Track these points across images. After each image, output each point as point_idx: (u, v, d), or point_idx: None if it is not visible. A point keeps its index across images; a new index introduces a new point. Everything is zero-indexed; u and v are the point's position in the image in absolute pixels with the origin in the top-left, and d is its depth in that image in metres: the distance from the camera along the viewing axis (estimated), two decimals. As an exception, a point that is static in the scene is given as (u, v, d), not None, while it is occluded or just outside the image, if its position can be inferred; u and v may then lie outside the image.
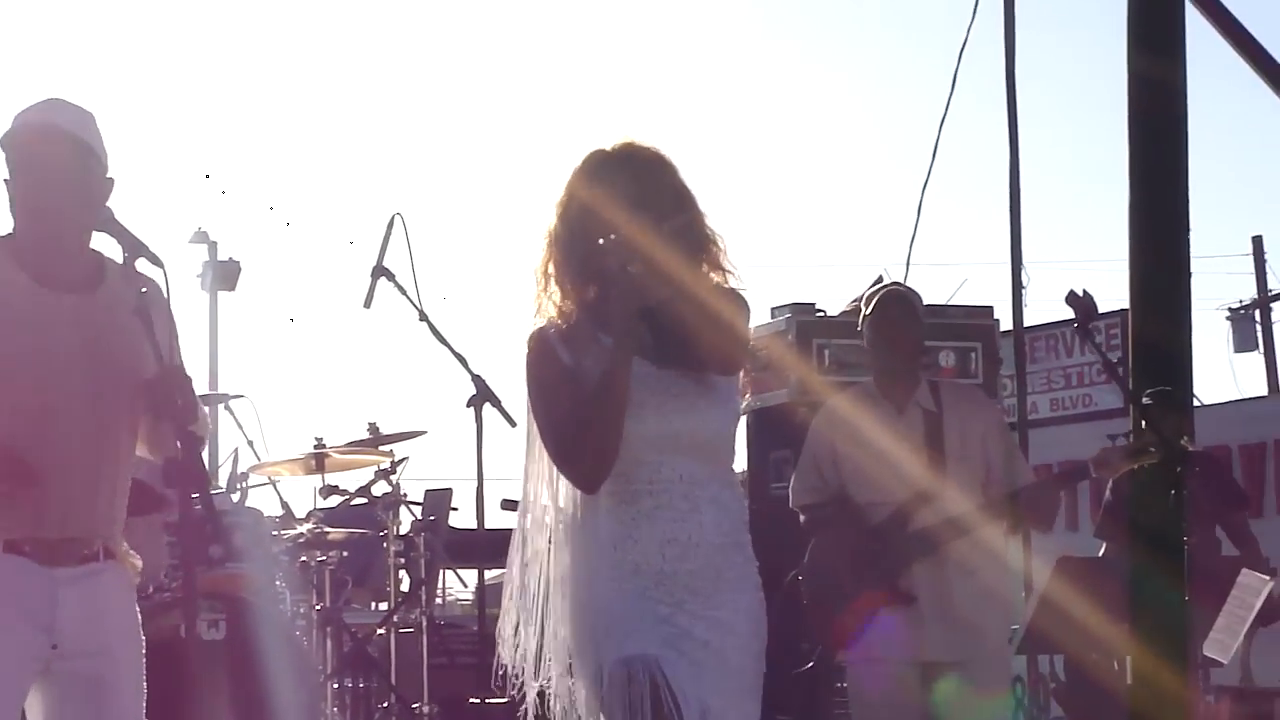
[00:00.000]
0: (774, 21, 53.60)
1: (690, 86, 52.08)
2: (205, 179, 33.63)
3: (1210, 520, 7.99)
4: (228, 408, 10.34)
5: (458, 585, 14.68)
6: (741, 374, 4.24)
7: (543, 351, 4.13)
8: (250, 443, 10.08)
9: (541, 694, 4.25)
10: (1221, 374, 37.67)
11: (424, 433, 9.96)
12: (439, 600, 13.56)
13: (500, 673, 4.28)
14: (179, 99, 45.99)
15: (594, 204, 4.11)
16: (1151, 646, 6.66)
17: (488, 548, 7.11)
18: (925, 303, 6.78)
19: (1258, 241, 27.68)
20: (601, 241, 4.01)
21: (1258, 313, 27.35)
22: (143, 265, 4.19)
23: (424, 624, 9.27)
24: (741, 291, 4.20)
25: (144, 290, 4.19)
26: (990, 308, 8.64)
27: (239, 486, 10.03)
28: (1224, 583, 6.90)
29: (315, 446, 8.97)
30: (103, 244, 4.39)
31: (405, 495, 9.73)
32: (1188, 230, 7.27)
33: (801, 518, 6.59)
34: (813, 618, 6.52)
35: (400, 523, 9.67)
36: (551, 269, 4.16)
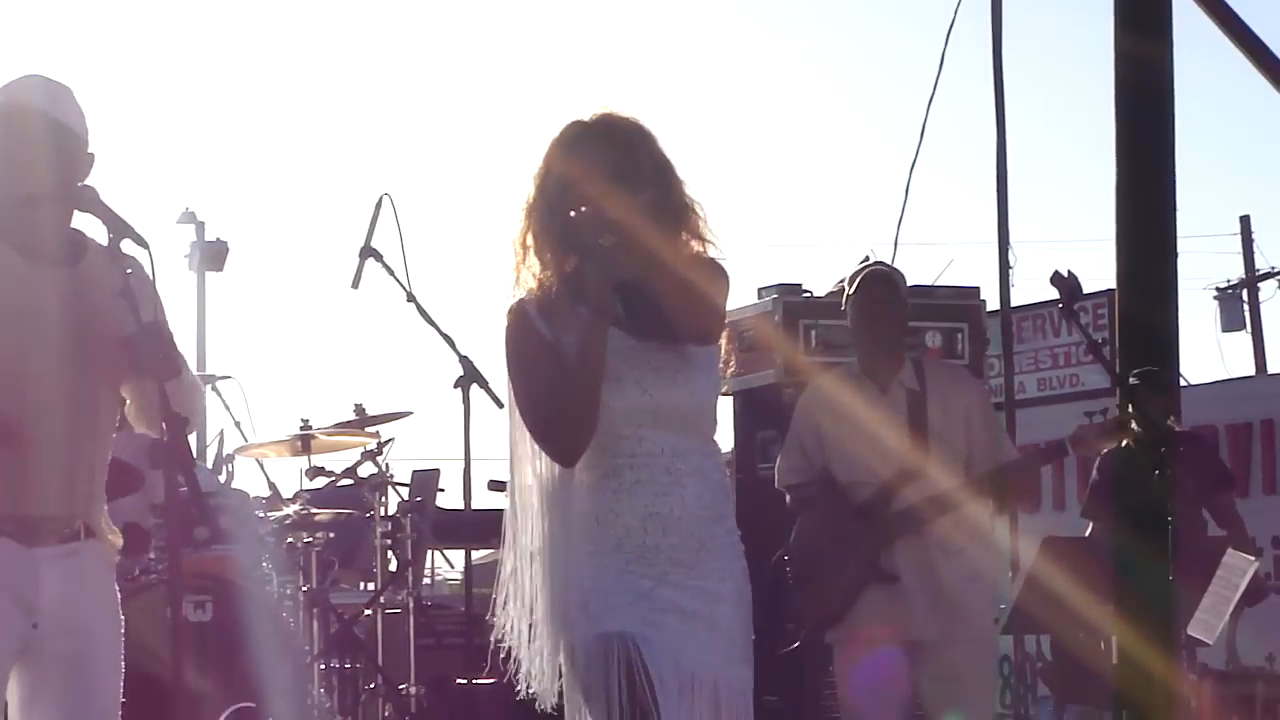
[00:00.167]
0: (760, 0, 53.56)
1: (677, 65, 52.08)
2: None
3: (1196, 500, 8.00)
4: (215, 389, 10.32)
5: (445, 566, 14.70)
6: (724, 344, 4.22)
7: (522, 326, 4.12)
8: (237, 424, 10.08)
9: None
10: (1209, 354, 37.81)
11: (411, 414, 9.97)
12: (426, 581, 13.56)
13: (491, 652, 4.28)
14: (167, 79, 45.91)
15: (571, 175, 4.09)
16: (1137, 626, 6.66)
17: (475, 528, 7.14)
18: (912, 283, 6.78)
19: (1245, 221, 27.73)
20: (574, 214, 4.00)
21: (1245, 293, 27.38)
22: (128, 246, 4.18)
23: (411, 605, 9.26)
24: (720, 261, 4.16)
25: (129, 271, 4.17)
26: (976, 288, 8.63)
27: (226, 468, 10.03)
28: (1210, 563, 6.91)
29: (301, 428, 8.96)
30: (88, 224, 4.37)
31: (392, 476, 9.73)
32: (1174, 209, 7.27)
33: (787, 498, 6.60)
34: (798, 598, 6.53)
35: (387, 504, 9.66)
36: (530, 240, 4.14)
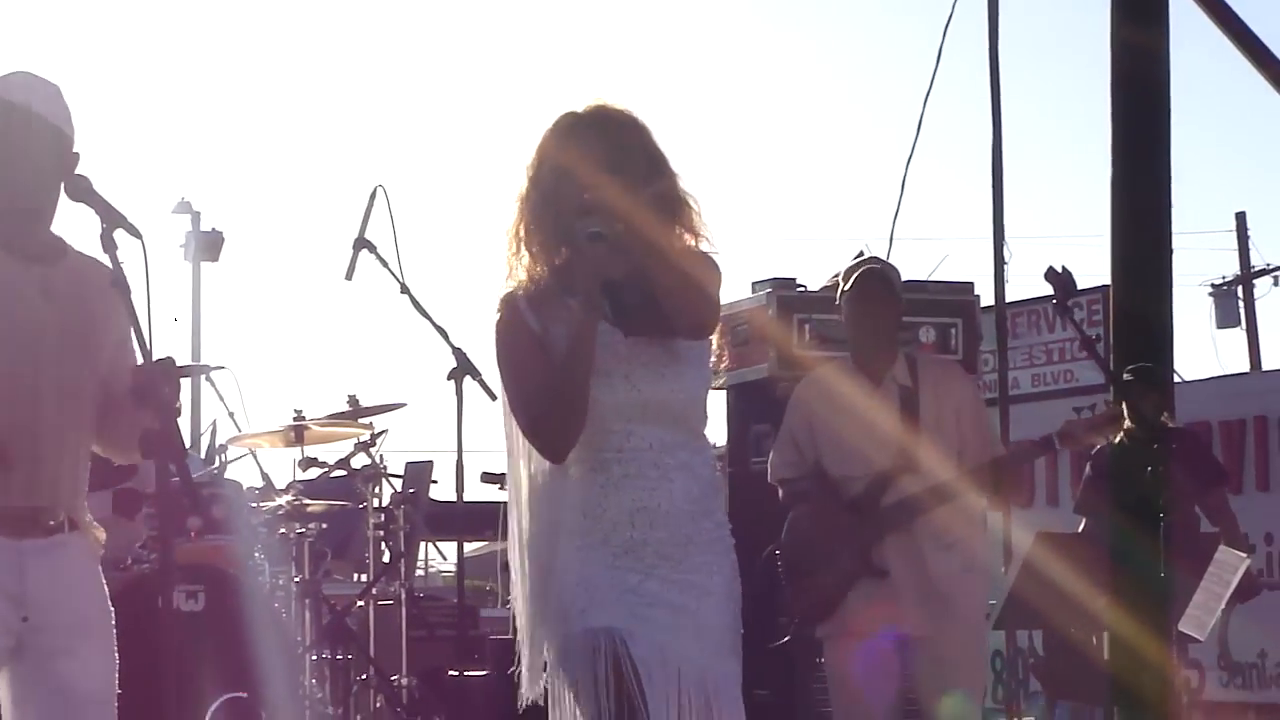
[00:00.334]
0: (758, -6, 53.54)
1: (672, 59, 52.07)
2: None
3: (1189, 497, 7.99)
4: (209, 379, 10.30)
5: (438, 558, 14.72)
6: (715, 338, 4.20)
7: (512, 320, 4.11)
8: (231, 414, 10.05)
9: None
10: (1204, 350, 37.80)
11: (404, 405, 9.95)
12: (419, 572, 13.56)
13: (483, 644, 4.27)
14: (163, 70, 45.91)
15: (565, 166, 4.07)
16: (1131, 622, 6.66)
17: (467, 520, 7.16)
18: (906, 278, 6.78)
19: (1241, 217, 27.77)
20: (586, 196, 3.97)
21: (1240, 289, 27.39)
22: (121, 237, 4.16)
23: (403, 596, 9.27)
24: (714, 255, 4.15)
25: (121, 262, 4.15)
26: (971, 283, 8.63)
27: (218, 458, 10.01)
28: (1203, 559, 6.90)
29: (295, 419, 8.95)
30: (81, 214, 4.35)
31: (385, 468, 9.72)
32: (1170, 206, 7.27)
33: (780, 492, 6.60)
34: (790, 592, 6.53)
35: (380, 495, 9.66)
36: (522, 232, 4.13)
